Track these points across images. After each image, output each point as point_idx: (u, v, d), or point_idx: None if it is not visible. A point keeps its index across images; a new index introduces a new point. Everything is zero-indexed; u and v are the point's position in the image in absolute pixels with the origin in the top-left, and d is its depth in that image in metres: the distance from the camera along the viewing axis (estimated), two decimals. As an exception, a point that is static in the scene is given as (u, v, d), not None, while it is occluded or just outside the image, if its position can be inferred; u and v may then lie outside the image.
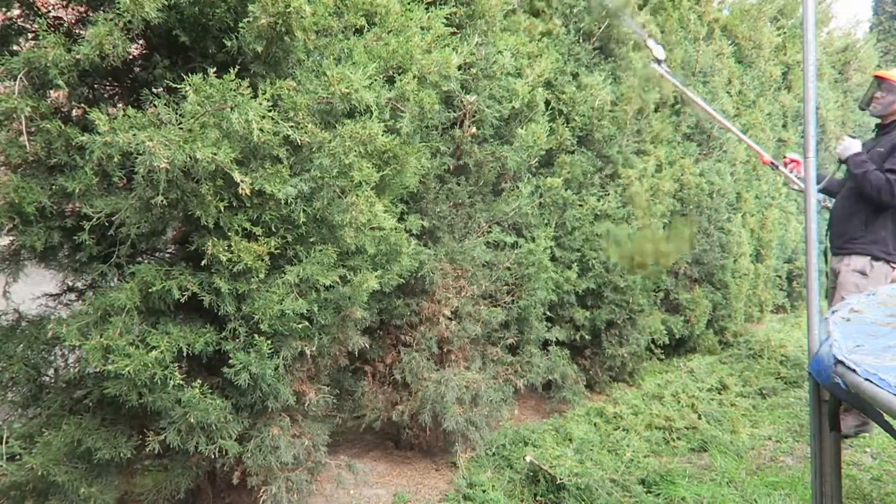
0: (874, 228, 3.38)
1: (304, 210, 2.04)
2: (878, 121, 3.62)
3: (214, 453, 2.17)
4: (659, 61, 3.40)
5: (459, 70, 2.44)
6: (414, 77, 2.20)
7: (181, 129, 1.74)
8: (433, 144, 2.83)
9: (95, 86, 2.08)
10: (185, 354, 1.98)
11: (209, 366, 2.25)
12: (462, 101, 2.94)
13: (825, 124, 7.23)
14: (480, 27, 2.90)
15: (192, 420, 2.01)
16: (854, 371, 1.82)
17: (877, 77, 3.56)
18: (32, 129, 1.76)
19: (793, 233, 6.48)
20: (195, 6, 1.87)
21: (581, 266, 3.81)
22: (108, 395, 1.94)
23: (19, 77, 1.68)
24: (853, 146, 3.34)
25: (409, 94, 2.19)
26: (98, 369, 1.88)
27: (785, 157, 3.81)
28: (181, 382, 1.92)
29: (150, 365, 1.84)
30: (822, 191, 3.84)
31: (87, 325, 1.87)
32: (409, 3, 2.42)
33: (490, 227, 3.29)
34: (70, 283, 2.20)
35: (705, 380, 4.47)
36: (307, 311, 2.14)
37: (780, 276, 6.60)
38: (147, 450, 2.08)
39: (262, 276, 2.01)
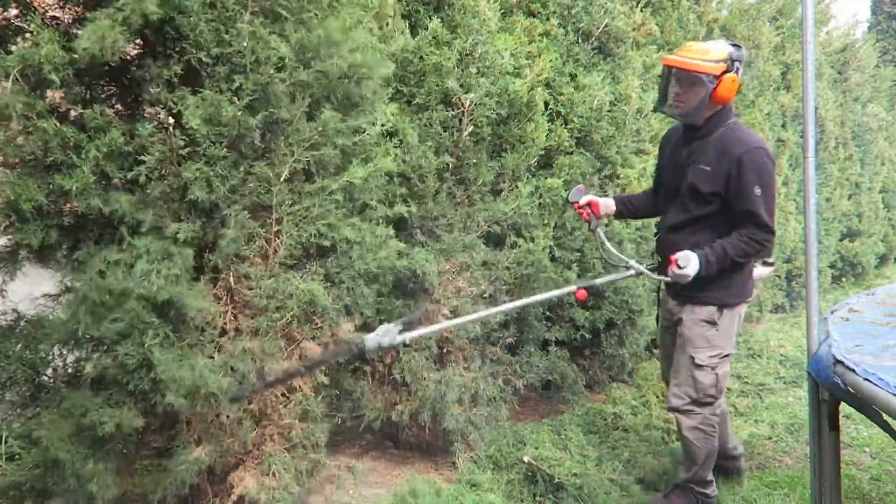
0: (722, 272, 2.59)
1: None
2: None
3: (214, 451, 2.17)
4: None
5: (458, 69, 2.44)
6: None
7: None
8: (433, 143, 2.82)
9: (93, 84, 2.08)
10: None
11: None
12: (460, 100, 2.94)
13: (824, 124, 7.22)
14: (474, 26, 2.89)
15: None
16: (853, 371, 1.82)
17: (668, 66, 2.61)
18: (30, 128, 1.75)
19: (791, 232, 6.47)
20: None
21: (581, 266, 3.80)
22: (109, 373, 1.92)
23: (12, 74, 1.68)
24: (692, 264, 2.45)
25: None
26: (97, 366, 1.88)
27: (575, 204, 2.89)
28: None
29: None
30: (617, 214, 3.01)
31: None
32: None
33: (489, 226, 3.29)
34: (68, 284, 2.19)
35: (704, 380, 4.46)
36: None
37: (779, 276, 6.59)
38: (146, 448, 2.08)
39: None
